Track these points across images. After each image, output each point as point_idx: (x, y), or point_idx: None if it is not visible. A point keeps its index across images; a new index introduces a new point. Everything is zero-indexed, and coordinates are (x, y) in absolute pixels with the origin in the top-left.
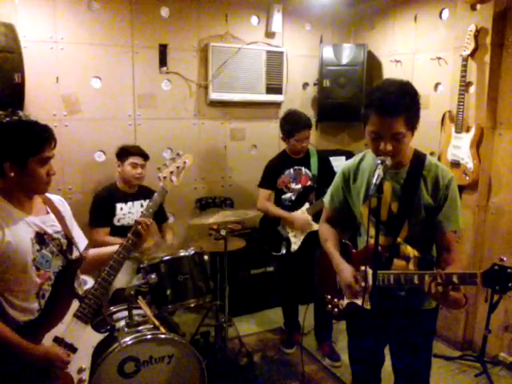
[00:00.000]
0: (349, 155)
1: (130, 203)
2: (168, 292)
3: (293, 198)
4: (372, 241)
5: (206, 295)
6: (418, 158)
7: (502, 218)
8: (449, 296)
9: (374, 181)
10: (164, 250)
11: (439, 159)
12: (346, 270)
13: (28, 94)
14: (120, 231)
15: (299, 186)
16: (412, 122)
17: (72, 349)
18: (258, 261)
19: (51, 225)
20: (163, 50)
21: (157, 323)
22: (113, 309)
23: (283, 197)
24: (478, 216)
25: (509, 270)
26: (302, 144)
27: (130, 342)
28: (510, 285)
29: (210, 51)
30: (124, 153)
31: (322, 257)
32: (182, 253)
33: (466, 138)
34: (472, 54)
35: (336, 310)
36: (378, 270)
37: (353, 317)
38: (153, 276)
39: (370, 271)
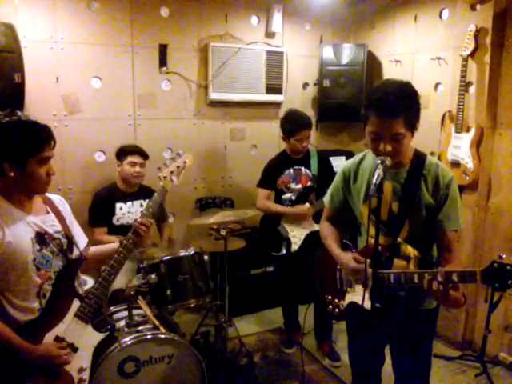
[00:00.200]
0: (349, 155)
1: (129, 203)
2: (168, 292)
3: (293, 198)
4: (372, 240)
5: (206, 295)
6: (419, 157)
7: (502, 218)
8: (448, 295)
9: (373, 181)
10: (163, 250)
11: (439, 159)
12: (346, 258)
13: (28, 94)
14: (119, 230)
15: (299, 186)
16: (412, 122)
17: (73, 348)
18: (257, 261)
19: (51, 224)
20: (163, 50)
21: (157, 323)
22: (113, 309)
23: (283, 197)
24: (477, 216)
25: (508, 267)
26: (303, 144)
27: (129, 342)
28: (509, 282)
29: (209, 51)
30: (123, 152)
31: (322, 257)
32: (182, 253)
33: (466, 138)
34: (472, 54)
35: (337, 310)
36: (378, 270)
37: (353, 317)
38: (153, 276)
39: (370, 271)
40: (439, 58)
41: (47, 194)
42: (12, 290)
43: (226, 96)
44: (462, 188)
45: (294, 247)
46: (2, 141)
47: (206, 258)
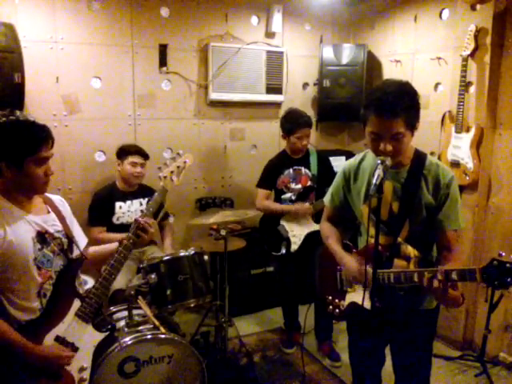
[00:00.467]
0: (349, 155)
1: (129, 202)
2: (168, 292)
3: (293, 197)
4: (372, 240)
5: (206, 295)
6: (419, 157)
7: (502, 218)
8: (447, 293)
9: (374, 181)
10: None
11: (439, 159)
12: (349, 262)
13: (28, 94)
14: (119, 230)
15: (299, 186)
16: (411, 122)
17: (73, 348)
18: (258, 261)
19: (52, 224)
20: (163, 50)
21: (157, 323)
22: (113, 309)
23: (283, 197)
24: (477, 216)
25: (507, 265)
26: (302, 142)
27: (129, 342)
28: (508, 280)
29: (210, 51)
30: (123, 152)
31: (322, 257)
32: (182, 253)
33: (466, 138)
34: (472, 54)
35: (337, 310)
36: (378, 270)
37: (353, 317)
38: (153, 276)
39: (370, 270)
40: (439, 58)
41: (48, 194)
42: (13, 290)
43: (226, 96)
44: (462, 188)
45: (294, 247)
46: None
47: (206, 257)
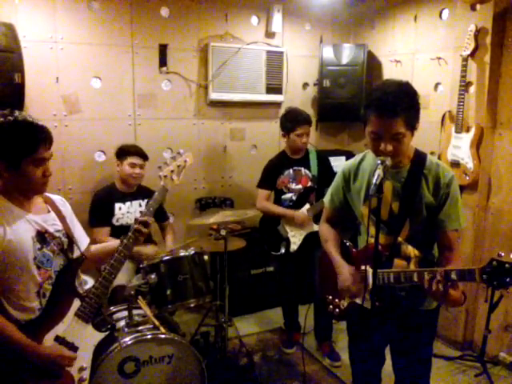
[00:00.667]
0: (349, 155)
1: (128, 203)
2: (168, 292)
3: (293, 198)
4: (372, 240)
5: (206, 295)
6: (419, 157)
7: (502, 218)
8: (448, 294)
9: (374, 181)
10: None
11: (439, 159)
12: (344, 273)
13: (28, 94)
14: (119, 231)
15: (299, 186)
16: (411, 122)
17: (73, 348)
18: (258, 261)
19: (52, 223)
20: (163, 50)
21: (157, 323)
22: (113, 309)
23: (283, 197)
24: (477, 216)
25: (507, 265)
26: (302, 140)
27: (129, 342)
28: (507, 280)
29: (210, 51)
30: (123, 152)
31: (322, 257)
32: (182, 253)
33: (466, 138)
34: (472, 54)
35: (337, 310)
36: (378, 269)
37: (353, 317)
38: (153, 276)
39: (370, 270)
40: (439, 58)
41: (48, 194)
42: (12, 289)
43: (226, 96)
44: (462, 188)
45: (294, 247)
46: None
47: (206, 257)
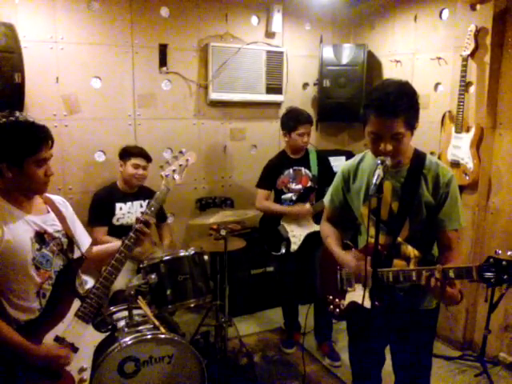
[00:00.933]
0: (349, 155)
1: (129, 203)
2: (168, 292)
3: (293, 198)
4: (372, 240)
5: (206, 295)
6: (419, 157)
7: (502, 218)
8: (445, 291)
9: (373, 181)
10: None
11: (439, 159)
12: (347, 258)
13: (28, 94)
14: (119, 231)
15: (299, 186)
16: (411, 121)
17: (73, 348)
18: (257, 261)
19: (52, 224)
20: (163, 50)
21: (157, 323)
22: (113, 309)
23: (283, 197)
24: (477, 216)
25: (504, 263)
26: (304, 139)
27: (129, 342)
28: (505, 277)
29: (210, 51)
30: (126, 153)
31: (323, 257)
32: (182, 253)
33: (466, 138)
34: (472, 54)
35: (337, 310)
36: (378, 269)
37: (353, 317)
38: (153, 276)
39: (370, 270)
40: (439, 58)
41: (48, 195)
42: (11, 290)
43: (226, 96)
44: (461, 188)
45: (294, 247)
46: None
47: (206, 258)
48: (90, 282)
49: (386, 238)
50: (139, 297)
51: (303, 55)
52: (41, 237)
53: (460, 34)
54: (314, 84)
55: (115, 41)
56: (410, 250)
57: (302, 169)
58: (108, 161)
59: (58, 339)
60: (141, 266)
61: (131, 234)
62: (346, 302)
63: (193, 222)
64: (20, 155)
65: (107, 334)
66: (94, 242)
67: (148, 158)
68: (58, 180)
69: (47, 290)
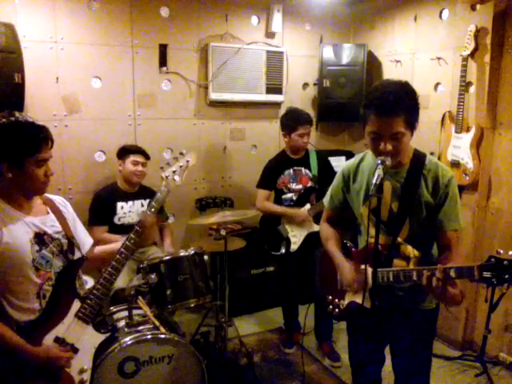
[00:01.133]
0: (349, 155)
1: (130, 202)
2: (168, 292)
3: (294, 198)
4: (372, 240)
5: (206, 295)
6: (418, 157)
7: (502, 218)
8: (446, 291)
9: (374, 181)
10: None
11: (439, 159)
12: (346, 270)
13: (28, 94)
14: (120, 230)
15: (300, 186)
16: (411, 121)
17: (73, 349)
18: (257, 261)
19: (51, 225)
20: (163, 50)
21: (157, 323)
22: (113, 309)
23: (284, 197)
24: (477, 216)
25: (505, 262)
26: (304, 140)
27: (129, 342)
28: (506, 276)
29: (210, 51)
30: (125, 152)
31: (323, 257)
32: (182, 253)
33: (466, 138)
34: (472, 54)
35: (337, 310)
36: (378, 269)
37: (353, 317)
38: (153, 276)
39: (369, 270)
40: (439, 58)
41: (48, 195)
42: (12, 291)
43: (225, 96)
44: (461, 188)
45: (294, 247)
46: None
47: (206, 258)
48: (89, 283)
49: (386, 238)
50: (139, 297)
51: (303, 55)
52: (40, 238)
53: (460, 34)
54: (314, 84)
55: (115, 41)
56: (410, 250)
57: (302, 169)
58: (108, 161)
59: (58, 340)
60: (141, 266)
61: (131, 235)
62: (345, 302)
63: (193, 222)
64: (20, 155)
65: (107, 335)
66: (95, 242)
67: (146, 155)
68: (57, 180)
69: (47, 291)
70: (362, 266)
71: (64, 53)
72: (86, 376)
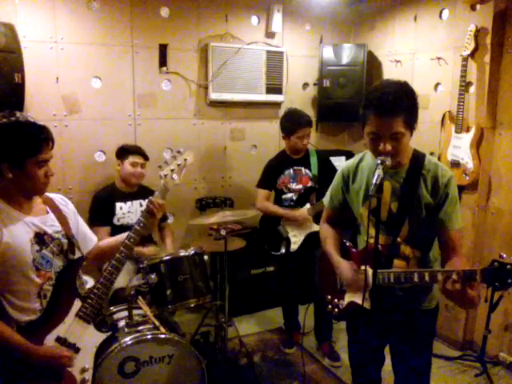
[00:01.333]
0: (349, 155)
1: (129, 203)
2: (168, 292)
3: (294, 198)
4: (372, 241)
5: (206, 295)
6: (418, 157)
7: (502, 218)
8: (466, 294)
9: (373, 181)
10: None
11: (439, 159)
12: (344, 269)
13: (28, 94)
14: (119, 231)
15: (300, 186)
16: (411, 121)
17: (75, 349)
18: (257, 261)
19: (51, 225)
20: (163, 50)
21: (157, 323)
22: (113, 309)
23: (284, 197)
24: (477, 216)
25: (508, 267)
26: (303, 141)
27: (129, 342)
28: (509, 281)
29: (209, 51)
30: (124, 152)
31: (322, 257)
32: (182, 253)
33: (466, 138)
34: (472, 54)
35: (336, 310)
36: (378, 270)
37: (353, 317)
38: (153, 276)
39: (369, 270)
40: (439, 58)
41: (48, 194)
42: (12, 291)
43: (225, 96)
44: (461, 188)
45: (294, 247)
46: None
47: (206, 258)
48: (90, 282)
49: (386, 238)
50: (139, 297)
51: (303, 55)
52: (40, 238)
53: (460, 34)
54: (314, 84)
55: (115, 41)
56: (410, 250)
57: (303, 169)
58: (108, 161)
59: (59, 340)
60: (141, 266)
61: (131, 234)
62: (345, 302)
63: (193, 222)
64: (21, 156)
65: (108, 334)
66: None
67: (145, 156)
68: (57, 180)
69: (48, 291)
70: (362, 267)
71: (64, 53)
72: (88, 375)
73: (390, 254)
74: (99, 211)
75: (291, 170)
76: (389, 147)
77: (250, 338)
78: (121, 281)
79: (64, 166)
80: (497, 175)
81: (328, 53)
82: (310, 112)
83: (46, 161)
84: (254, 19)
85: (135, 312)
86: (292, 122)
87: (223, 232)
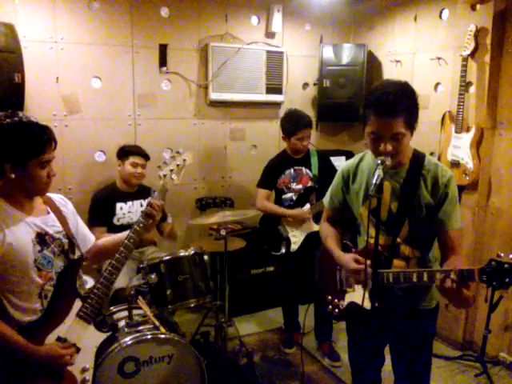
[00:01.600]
0: (349, 155)
1: (129, 203)
2: (168, 292)
3: (294, 197)
4: (372, 241)
5: (206, 295)
6: (418, 157)
7: (502, 218)
8: (461, 293)
9: (373, 181)
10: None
11: (439, 159)
12: (346, 260)
13: (28, 94)
14: (119, 231)
15: (300, 186)
16: (411, 121)
17: (75, 349)
18: (257, 261)
19: (52, 225)
20: (163, 50)
21: (157, 323)
22: (113, 309)
23: (284, 196)
24: (477, 216)
25: (506, 266)
26: (303, 143)
27: (129, 342)
28: (507, 280)
29: (209, 51)
30: (125, 152)
31: (322, 257)
32: (182, 253)
33: (466, 138)
34: (472, 54)
35: (336, 310)
36: (379, 270)
37: (353, 317)
38: (153, 276)
39: (370, 270)
40: (439, 58)
41: (48, 194)
42: (13, 291)
43: (225, 96)
44: (461, 188)
45: (294, 247)
46: (2, 142)
47: (206, 258)
48: (90, 282)
49: (386, 238)
50: (139, 297)
51: (303, 55)
52: (42, 238)
53: (460, 34)
54: (314, 84)
55: (115, 41)
56: (409, 250)
57: (303, 168)
58: (108, 161)
59: (60, 340)
60: (141, 266)
61: (130, 234)
62: (345, 302)
63: (193, 222)
64: (24, 156)
65: (108, 334)
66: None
67: (146, 157)
68: (58, 180)
69: (49, 291)
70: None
71: (64, 53)
72: (88, 375)
73: (389, 254)
74: (99, 211)
75: (292, 170)
76: (389, 147)
77: (249, 337)
78: (121, 281)
79: (64, 166)
80: (497, 175)
81: (328, 53)
82: (310, 112)
83: (48, 161)
84: (254, 19)
85: (135, 312)
86: (292, 124)
87: (223, 232)
